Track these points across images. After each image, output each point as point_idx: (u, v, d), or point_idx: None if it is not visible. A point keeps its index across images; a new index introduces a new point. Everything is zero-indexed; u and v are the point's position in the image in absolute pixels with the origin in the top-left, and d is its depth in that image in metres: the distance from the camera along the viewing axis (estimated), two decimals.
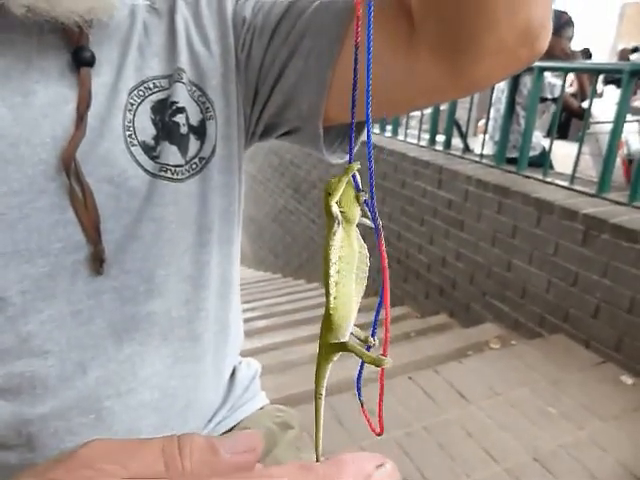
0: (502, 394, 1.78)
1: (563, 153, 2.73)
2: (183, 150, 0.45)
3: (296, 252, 4.82)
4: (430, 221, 2.88)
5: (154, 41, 0.45)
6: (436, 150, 3.07)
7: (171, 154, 0.44)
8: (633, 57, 5.73)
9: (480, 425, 1.62)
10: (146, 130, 0.44)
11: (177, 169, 0.44)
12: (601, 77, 3.47)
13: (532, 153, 2.65)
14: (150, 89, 0.44)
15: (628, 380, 1.84)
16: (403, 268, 3.16)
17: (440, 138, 3.12)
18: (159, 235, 0.44)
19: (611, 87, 3.22)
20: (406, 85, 0.42)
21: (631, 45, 5.85)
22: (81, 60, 0.41)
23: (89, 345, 0.44)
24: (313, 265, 4.43)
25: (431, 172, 2.83)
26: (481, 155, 2.80)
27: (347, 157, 0.49)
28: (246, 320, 3.28)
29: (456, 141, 3.14)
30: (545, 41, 0.37)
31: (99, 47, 0.43)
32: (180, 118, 0.44)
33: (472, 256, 2.60)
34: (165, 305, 0.46)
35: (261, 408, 0.64)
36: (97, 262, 0.42)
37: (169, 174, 0.44)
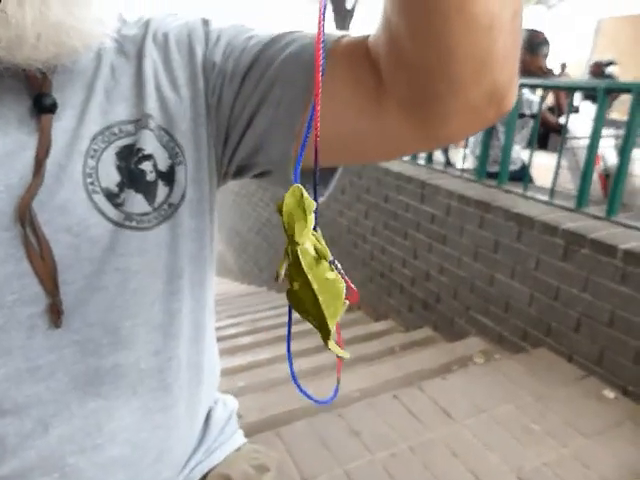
0: (487, 411, 1.78)
1: (542, 163, 2.77)
2: (150, 198, 0.44)
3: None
4: (413, 235, 2.89)
5: (121, 84, 0.44)
6: (419, 164, 3.09)
7: (136, 202, 0.43)
8: (608, 70, 5.87)
9: (465, 444, 1.61)
10: (110, 177, 0.42)
11: (143, 217, 0.43)
12: (578, 93, 3.54)
13: (512, 167, 2.69)
14: (115, 134, 0.43)
15: (610, 394, 1.86)
16: (387, 282, 3.16)
17: (422, 152, 3.15)
18: (124, 286, 0.43)
19: (587, 103, 3.28)
20: (373, 137, 0.41)
21: (606, 59, 5.98)
22: (42, 107, 0.40)
23: (50, 401, 0.42)
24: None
25: (414, 187, 2.84)
26: (462, 170, 2.83)
27: (321, 200, 0.49)
28: (230, 337, 3.26)
29: (437, 154, 3.17)
30: (512, 99, 0.37)
31: (62, 92, 0.42)
32: (146, 166, 0.43)
33: (455, 270, 2.61)
34: (133, 357, 0.45)
35: (238, 449, 0.62)
36: (55, 315, 0.40)
37: (134, 223, 0.43)
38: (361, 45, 0.40)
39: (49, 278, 0.40)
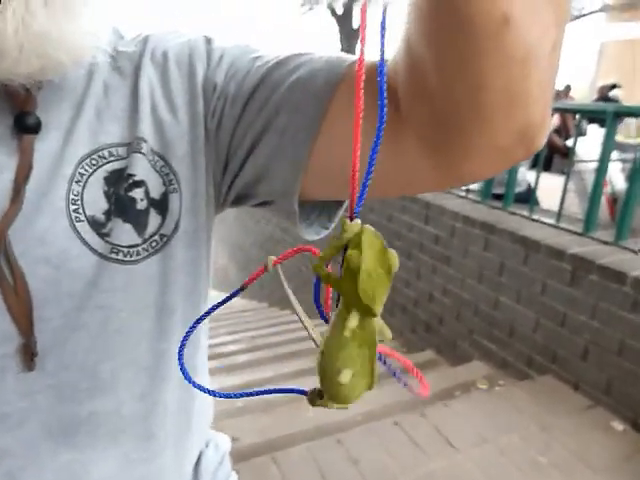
0: (491, 441, 1.72)
1: (546, 184, 2.74)
2: (140, 228, 0.40)
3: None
4: (417, 256, 2.85)
5: (114, 104, 0.41)
6: None
7: (124, 233, 0.39)
8: (612, 93, 5.88)
9: (468, 477, 1.55)
10: (97, 203, 0.39)
11: (131, 250, 0.39)
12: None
13: (518, 189, 2.66)
14: (105, 158, 0.40)
15: (619, 426, 1.80)
16: (389, 302, 3.11)
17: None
18: (106, 325, 0.39)
19: (594, 126, 3.27)
20: (388, 172, 0.37)
21: (610, 82, 6.00)
22: (24, 126, 0.37)
23: (18, 452, 0.38)
24: (299, 296, 4.36)
25: (418, 207, 2.81)
26: (467, 190, 2.80)
27: (325, 232, 0.45)
28: (229, 354, 3.20)
29: None
30: (543, 139, 0.34)
31: (47, 110, 0.38)
32: (137, 193, 0.40)
33: (459, 292, 2.57)
34: (113, 402, 0.41)
35: None
36: (28, 356, 0.37)
37: (121, 256, 0.39)
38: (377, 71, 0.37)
39: (23, 315, 0.36)
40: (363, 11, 0.24)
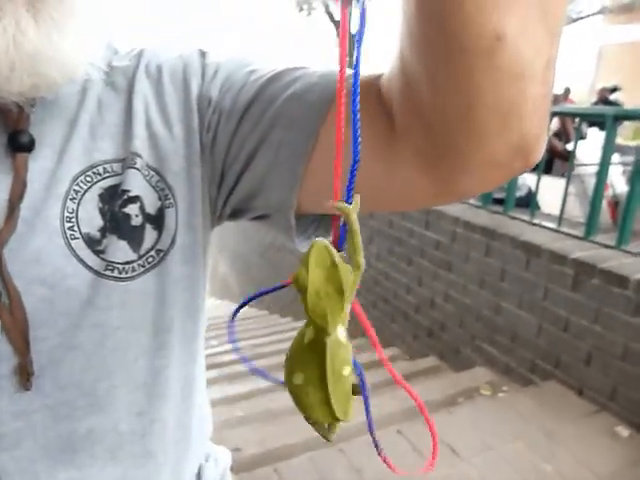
0: (495, 448, 1.71)
1: (548, 188, 2.73)
2: (135, 244, 0.39)
3: (283, 289, 4.75)
4: (418, 262, 2.84)
5: (108, 120, 0.41)
6: None
7: (119, 250, 0.39)
8: (613, 96, 5.89)
9: None
10: (92, 221, 0.38)
11: (126, 266, 0.39)
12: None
13: (518, 194, 2.66)
14: (100, 174, 0.39)
15: (624, 432, 1.78)
16: (391, 308, 3.10)
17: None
18: (103, 343, 0.39)
19: (594, 129, 3.27)
20: (385, 188, 0.37)
21: (610, 84, 6.01)
22: (18, 145, 0.36)
23: (15, 472, 0.37)
24: (300, 303, 4.36)
25: (418, 213, 2.81)
26: None
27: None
28: (230, 363, 3.19)
29: None
30: (540, 153, 0.33)
31: (41, 128, 0.38)
32: (132, 209, 0.39)
33: (461, 298, 2.56)
34: (111, 420, 0.40)
35: None
36: (24, 376, 0.36)
37: (116, 273, 0.39)
38: (373, 86, 0.36)
39: (19, 335, 0.36)
40: (343, 23, 0.24)
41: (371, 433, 0.29)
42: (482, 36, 0.26)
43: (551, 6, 0.27)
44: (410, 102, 0.32)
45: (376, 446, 0.30)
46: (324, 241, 0.24)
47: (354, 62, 0.25)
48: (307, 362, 0.26)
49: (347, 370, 0.27)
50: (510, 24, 0.26)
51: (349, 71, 0.29)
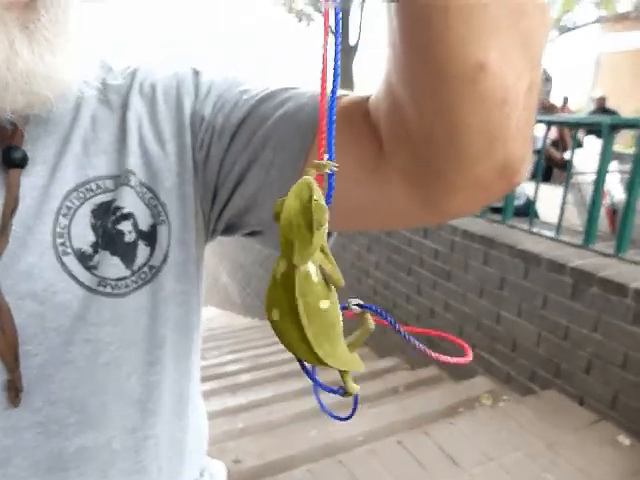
0: (495, 459, 1.70)
1: (546, 196, 2.74)
2: (128, 260, 0.40)
3: None
4: (417, 271, 2.84)
5: (102, 137, 0.41)
6: None
7: (112, 266, 0.39)
8: (609, 104, 5.90)
9: None
10: (85, 237, 0.39)
11: (119, 282, 0.39)
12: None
13: (517, 202, 2.66)
14: (92, 191, 0.40)
15: (625, 441, 1.77)
16: (391, 316, 3.10)
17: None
18: (94, 359, 0.39)
19: (591, 137, 3.28)
20: (373, 208, 0.38)
21: (598, 95, 6.03)
22: (11, 161, 0.37)
23: None
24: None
25: None
26: None
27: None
28: (231, 374, 3.17)
29: None
30: (524, 174, 0.34)
31: (34, 144, 0.39)
32: (125, 225, 0.40)
33: (460, 307, 2.55)
34: (103, 437, 0.40)
35: None
36: (13, 392, 0.36)
37: (108, 289, 0.39)
38: (360, 107, 0.37)
39: (8, 351, 0.36)
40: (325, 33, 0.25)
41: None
42: (465, 65, 0.27)
43: (531, 34, 0.28)
44: (396, 124, 0.33)
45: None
46: (312, 179, 0.25)
47: (332, 83, 0.26)
48: (280, 297, 0.26)
49: (325, 304, 0.26)
50: (492, 53, 0.27)
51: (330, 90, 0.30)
